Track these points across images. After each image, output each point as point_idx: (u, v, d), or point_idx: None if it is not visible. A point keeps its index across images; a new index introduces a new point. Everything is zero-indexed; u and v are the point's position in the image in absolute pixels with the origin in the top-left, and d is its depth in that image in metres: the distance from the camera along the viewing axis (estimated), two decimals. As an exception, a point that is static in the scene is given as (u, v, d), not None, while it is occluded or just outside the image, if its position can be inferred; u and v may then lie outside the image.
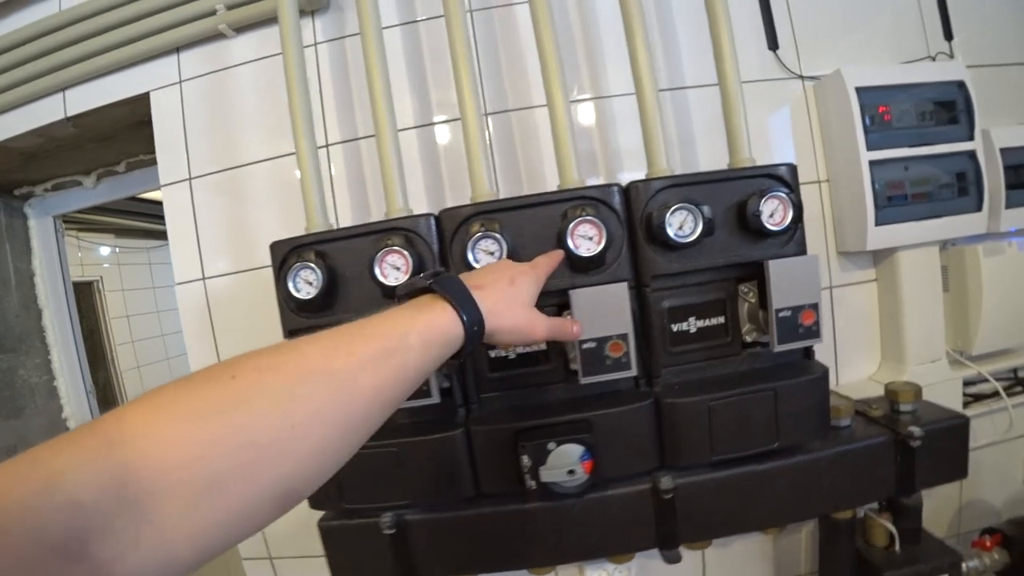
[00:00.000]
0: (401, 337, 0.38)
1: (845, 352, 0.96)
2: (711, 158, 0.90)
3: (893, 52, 0.95)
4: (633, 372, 0.64)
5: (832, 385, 0.91)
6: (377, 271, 0.64)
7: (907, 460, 0.73)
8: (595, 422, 0.64)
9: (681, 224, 0.66)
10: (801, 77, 0.93)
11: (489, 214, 0.65)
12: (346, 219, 0.93)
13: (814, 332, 0.67)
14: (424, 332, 0.39)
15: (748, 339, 0.73)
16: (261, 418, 0.30)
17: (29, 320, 1.40)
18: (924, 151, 0.86)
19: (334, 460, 0.34)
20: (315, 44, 0.93)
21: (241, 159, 0.96)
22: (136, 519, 0.24)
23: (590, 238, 0.64)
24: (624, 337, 0.63)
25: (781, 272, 0.66)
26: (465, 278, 0.47)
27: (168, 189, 0.99)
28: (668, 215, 0.65)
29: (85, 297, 3.40)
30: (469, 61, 0.72)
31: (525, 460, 0.60)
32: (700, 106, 0.91)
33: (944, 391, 0.90)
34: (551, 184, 0.88)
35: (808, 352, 0.73)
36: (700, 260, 0.69)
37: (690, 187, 0.69)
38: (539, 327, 0.50)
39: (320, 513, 0.74)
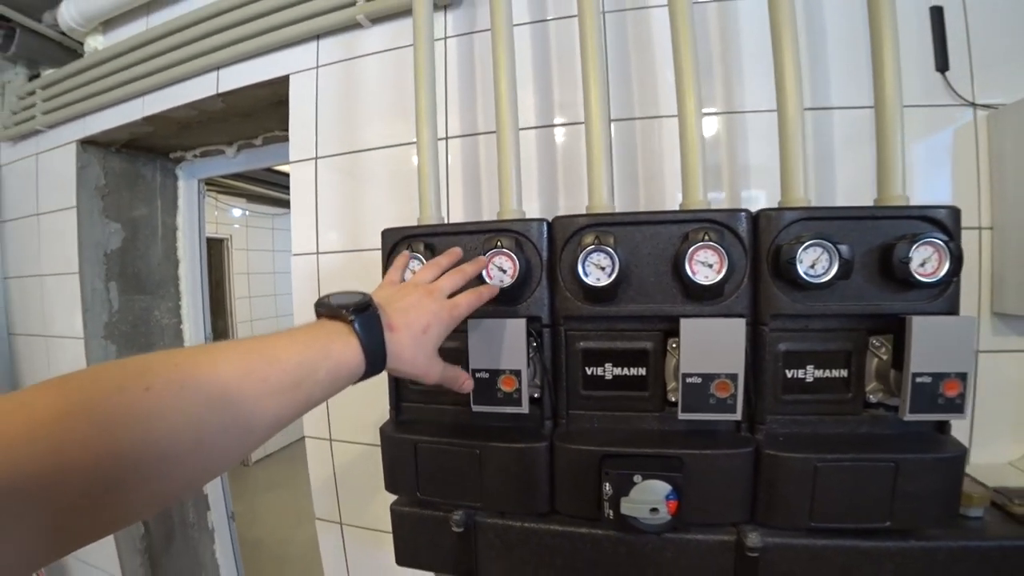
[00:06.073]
0: (312, 370, 0.40)
1: (983, 428, 0.82)
2: (850, 189, 0.81)
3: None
4: (737, 416, 0.59)
5: (961, 465, 0.79)
6: (483, 272, 0.64)
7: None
8: (687, 461, 0.60)
9: (814, 262, 0.60)
10: (973, 105, 0.81)
11: (605, 227, 0.62)
12: (457, 214, 0.94)
13: (957, 406, 0.58)
14: (333, 369, 0.42)
15: (872, 399, 0.65)
16: (173, 435, 0.31)
17: (168, 268, 1.59)
18: None
19: (219, 472, 0.36)
20: (444, 38, 0.95)
21: (362, 144, 1.01)
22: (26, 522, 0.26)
23: (710, 265, 0.59)
24: (733, 378, 0.58)
25: (926, 331, 0.58)
26: (386, 309, 0.49)
27: (296, 166, 1.07)
28: (800, 251, 0.59)
29: (215, 252, 3.82)
30: (599, 64, 0.69)
31: (607, 488, 0.58)
32: (844, 129, 0.82)
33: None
34: (669, 200, 0.83)
35: (943, 426, 0.63)
36: (830, 304, 0.62)
37: (827, 222, 0.62)
38: (432, 375, 0.54)
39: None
